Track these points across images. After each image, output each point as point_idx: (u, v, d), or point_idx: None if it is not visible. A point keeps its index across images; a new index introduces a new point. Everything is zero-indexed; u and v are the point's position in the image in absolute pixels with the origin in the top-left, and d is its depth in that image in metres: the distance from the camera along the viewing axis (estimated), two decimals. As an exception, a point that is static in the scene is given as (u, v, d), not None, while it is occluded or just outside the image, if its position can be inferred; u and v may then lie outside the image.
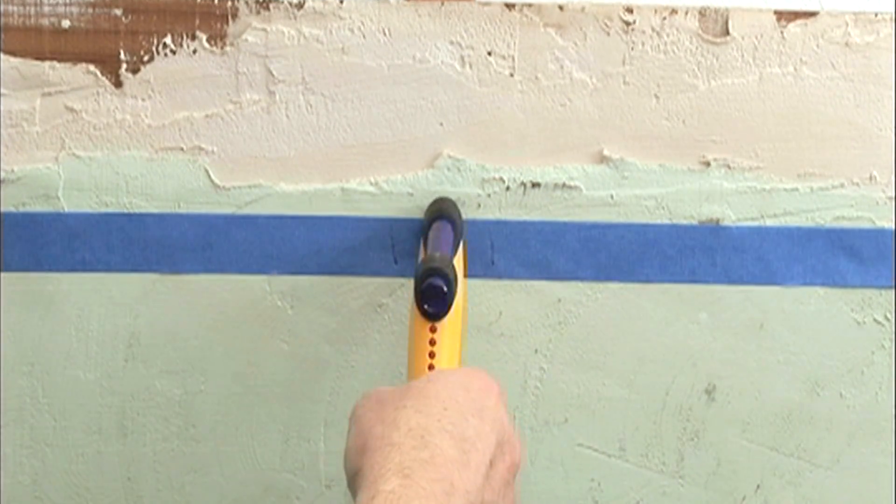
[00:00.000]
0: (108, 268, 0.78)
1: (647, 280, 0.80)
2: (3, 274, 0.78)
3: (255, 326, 0.80)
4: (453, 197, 0.77)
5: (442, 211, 0.78)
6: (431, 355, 0.67)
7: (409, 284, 0.78)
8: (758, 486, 0.84)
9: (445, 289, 0.67)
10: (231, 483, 0.83)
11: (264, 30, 0.75)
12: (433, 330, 0.68)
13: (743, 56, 0.76)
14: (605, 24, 0.76)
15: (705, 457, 0.83)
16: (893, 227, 0.80)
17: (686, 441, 0.83)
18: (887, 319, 0.80)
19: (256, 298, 0.80)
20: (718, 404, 0.82)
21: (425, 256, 0.72)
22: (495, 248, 0.79)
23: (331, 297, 0.80)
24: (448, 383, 0.62)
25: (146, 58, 0.75)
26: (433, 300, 0.67)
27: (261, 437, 0.82)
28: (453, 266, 0.69)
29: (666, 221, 0.79)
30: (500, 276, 0.80)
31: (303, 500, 0.83)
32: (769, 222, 0.79)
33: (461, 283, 0.71)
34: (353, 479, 0.59)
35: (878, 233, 0.79)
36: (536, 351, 0.81)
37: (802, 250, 0.79)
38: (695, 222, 0.79)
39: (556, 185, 0.78)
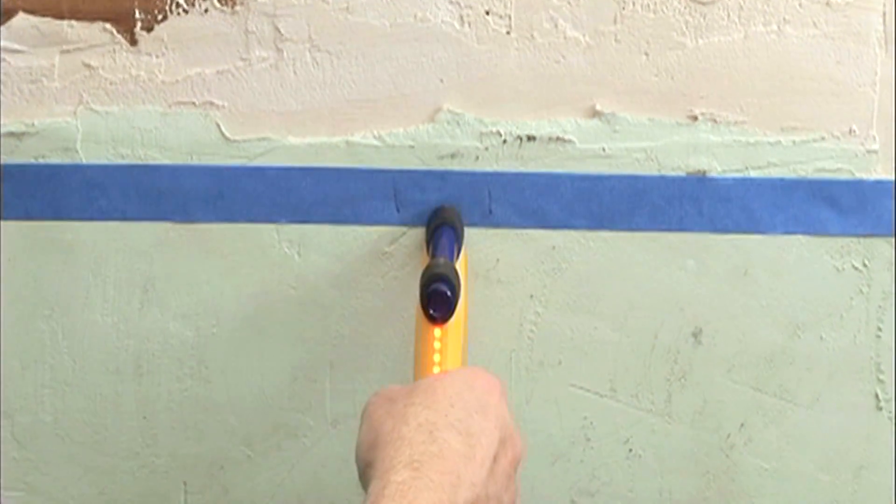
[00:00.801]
0: (125, 217, 0.86)
1: (637, 228, 0.86)
2: (23, 222, 0.85)
3: (265, 272, 0.87)
4: (452, 150, 0.84)
5: (444, 218, 0.84)
6: (437, 356, 0.72)
7: (410, 233, 0.86)
8: (742, 424, 0.90)
9: (449, 294, 0.72)
10: (241, 421, 0.90)
11: (272, -11, 0.82)
12: (438, 332, 0.72)
13: (729, 15, 0.83)
14: (598, -16, 0.83)
15: (692, 396, 0.90)
16: (892, 178, 0.86)
17: (673, 381, 0.89)
18: (865, 266, 0.87)
19: (265, 246, 0.87)
20: (704, 347, 0.89)
21: (430, 262, 0.76)
22: (493, 198, 0.85)
23: (336, 245, 0.87)
24: (454, 382, 0.67)
25: (160, 17, 0.82)
26: (438, 305, 0.72)
27: (270, 377, 0.89)
28: (456, 271, 0.74)
29: (655, 173, 0.85)
30: (497, 225, 0.86)
31: (310, 437, 0.90)
32: (753, 173, 0.85)
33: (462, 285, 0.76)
34: (365, 471, 0.64)
35: (857, 184, 0.85)
36: (532, 296, 0.88)
37: (785, 200, 0.86)
38: (682, 173, 0.85)
39: (550, 138, 0.85)
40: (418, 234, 0.86)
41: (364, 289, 0.88)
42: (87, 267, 0.87)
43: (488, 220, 0.86)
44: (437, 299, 0.71)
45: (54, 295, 0.87)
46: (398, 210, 0.86)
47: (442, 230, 0.83)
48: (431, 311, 0.72)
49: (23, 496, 0.89)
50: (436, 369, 0.71)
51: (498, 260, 0.87)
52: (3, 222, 0.85)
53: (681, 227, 0.87)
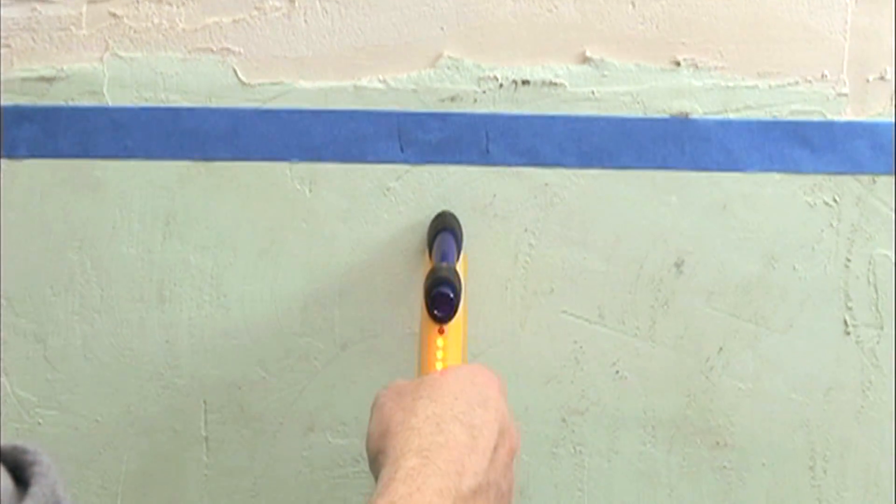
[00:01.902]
0: (148, 155, 0.96)
1: (624, 166, 0.96)
2: (53, 161, 0.96)
3: (278, 207, 0.97)
4: (452, 93, 0.95)
5: (445, 224, 0.93)
6: (440, 352, 0.79)
7: (413, 170, 0.97)
8: (720, 349, 1.00)
9: (452, 296, 0.79)
10: (257, 345, 1.00)
11: (285, -56, 0.92)
12: (441, 331, 0.80)
13: (709, -32, 0.93)
14: (588, -61, 0.92)
15: (674, 322, 1.00)
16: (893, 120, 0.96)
17: (657, 308, 0.99)
18: (835, 202, 0.97)
19: (279, 183, 0.96)
20: (686, 276, 0.99)
21: (433, 266, 0.84)
22: (490, 139, 0.96)
23: (344, 182, 0.96)
24: (458, 377, 0.74)
25: (181, -31, 0.93)
26: (442, 306, 0.80)
27: (283, 304, 0.99)
28: (458, 274, 0.82)
29: (641, 115, 0.95)
30: (493, 163, 0.96)
31: (320, 359, 1.00)
32: (732, 115, 0.95)
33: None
34: (376, 458, 0.71)
35: (829, 125, 0.95)
36: (526, 229, 0.98)
37: (761, 140, 0.95)
38: (666, 115, 0.95)
39: (543, 83, 0.95)
40: (421, 171, 0.96)
41: (370, 222, 0.97)
42: (113, 202, 0.96)
43: (485, 158, 0.96)
44: (441, 301, 0.79)
45: (83, 228, 0.97)
46: (402, 149, 0.96)
47: (443, 235, 0.92)
48: (436, 312, 0.79)
49: (56, 414, 1.00)
50: (439, 365, 0.78)
51: (494, 196, 0.97)
52: (35, 161, 0.96)
53: (664, 166, 0.96)
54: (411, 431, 0.69)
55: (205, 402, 1.01)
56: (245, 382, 1.01)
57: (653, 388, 1.01)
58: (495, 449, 0.71)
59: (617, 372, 1.01)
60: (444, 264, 0.84)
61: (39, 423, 1.00)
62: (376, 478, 0.69)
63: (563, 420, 1.02)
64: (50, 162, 0.96)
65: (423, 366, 0.80)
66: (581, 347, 1.01)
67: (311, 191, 0.97)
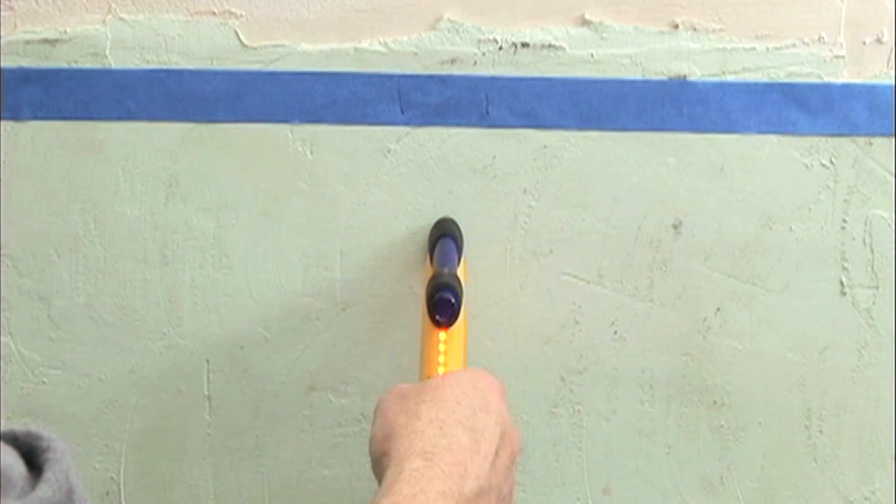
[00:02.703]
0: (151, 117, 1.00)
1: (623, 128, 1.01)
2: (56, 122, 1.01)
3: (279, 169, 1.01)
4: (452, 55, 1.00)
5: (445, 230, 0.97)
6: (442, 356, 0.83)
7: (413, 132, 1.01)
8: (717, 309, 1.05)
9: (453, 301, 0.83)
10: (259, 305, 1.04)
11: None
12: (443, 336, 0.84)
13: (707, -69, 0.97)
14: None
15: (672, 283, 1.04)
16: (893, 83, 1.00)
17: (655, 269, 1.04)
18: (832, 163, 1.02)
19: (280, 144, 1.01)
20: (684, 237, 1.03)
21: (434, 272, 0.88)
22: (489, 101, 1.00)
23: (345, 143, 1.01)
24: (460, 382, 0.77)
25: (183, -68, 0.97)
26: (444, 311, 0.83)
27: (285, 265, 1.03)
28: (459, 280, 0.86)
29: (639, 77, 1.00)
30: (493, 125, 1.00)
31: (322, 320, 1.05)
32: (730, 78, 1.00)
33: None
34: (380, 461, 0.73)
35: (825, 87, 1.00)
36: (525, 191, 1.02)
37: (758, 102, 1.00)
38: (664, 78, 1.00)
39: (542, 45, 1.00)
40: (421, 133, 1.01)
41: (371, 183, 1.02)
42: (116, 164, 1.01)
43: (485, 120, 1.00)
44: (443, 306, 0.83)
45: (86, 190, 1.01)
46: (402, 111, 1.00)
47: (443, 241, 0.96)
48: (437, 317, 0.83)
49: (60, 373, 1.05)
50: (441, 369, 0.82)
51: (494, 157, 1.02)
52: (38, 122, 1.01)
53: (662, 128, 1.01)
54: (415, 434, 0.72)
55: (207, 361, 1.06)
56: (247, 342, 1.05)
57: (651, 347, 1.06)
58: (497, 453, 0.75)
59: (615, 332, 1.06)
60: (446, 270, 0.88)
61: (44, 383, 1.06)
62: (379, 480, 0.72)
63: (562, 380, 1.07)
64: (53, 124, 1.00)
65: (424, 370, 0.84)
66: (580, 308, 1.06)
67: (312, 153, 1.01)
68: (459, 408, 0.75)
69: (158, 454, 1.08)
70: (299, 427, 1.07)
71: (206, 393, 1.07)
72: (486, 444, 0.74)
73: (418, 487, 0.68)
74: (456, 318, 0.85)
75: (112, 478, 1.08)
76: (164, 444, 1.08)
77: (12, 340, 1.05)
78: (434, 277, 0.86)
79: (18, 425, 0.51)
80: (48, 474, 0.48)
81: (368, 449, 0.76)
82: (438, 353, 0.83)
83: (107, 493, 1.08)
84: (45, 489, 0.47)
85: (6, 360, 1.05)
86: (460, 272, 0.93)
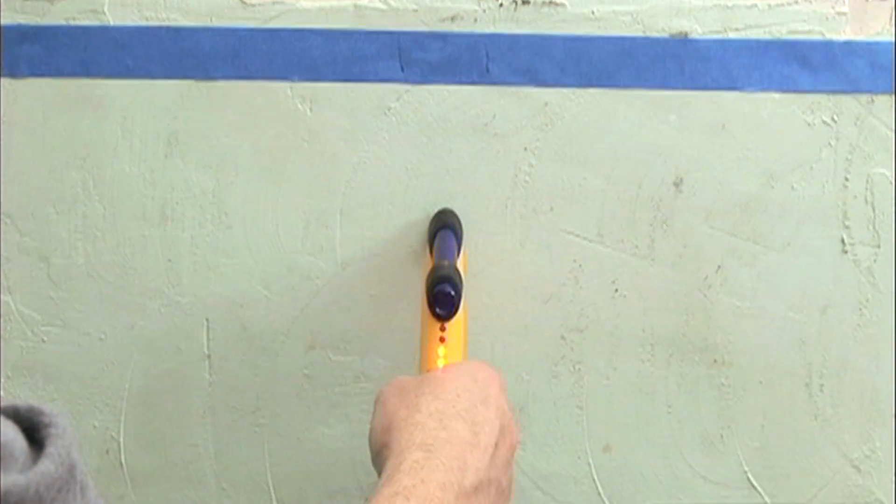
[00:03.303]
0: (150, 75, 1.03)
1: (624, 86, 1.03)
2: (55, 80, 1.03)
3: (279, 126, 1.04)
4: (452, 12, 1.02)
5: (445, 222, 1.00)
6: (441, 349, 0.85)
7: (413, 90, 1.04)
8: (718, 267, 1.08)
9: (453, 294, 0.85)
10: (258, 264, 1.07)
11: None
12: (443, 329, 0.86)
13: None
14: None
15: (673, 241, 1.07)
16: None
17: (656, 227, 1.07)
18: (834, 121, 1.04)
19: (280, 102, 1.04)
20: (685, 195, 1.06)
21: (434, 265, 0.90)
22: (490, 58, 1.03)
23: (345, 101, 1.03)
24: (460, 374, 0.80)
25: None
26: (444, 304, 0.86)
27: (284, 223, 1.06)
28: (459, 272, 0.89)
29: (640, 34, 1.02)
30: (493, 83, 1.03)
31: (321, 278, 1.07)
32: (731, 35, 1.02)
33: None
34: (380, 453, 0.75)
35: (827, 44, 1.03)
36: (525, 149, 1.05)
37: (760, 60, 1.03)
38: (666, 35, 1.02)
39: (543, 2, 1.02)
40: (421, 91, 1.03)
41: (371, 141, 1.05)
42: (115, 121, 1.04)
43: (485, 78, 1.03)
44: (443, 299, 0.86)
45: (85, 147, 1.04)
46: (402, 69, 1.03)
47: (443, 232, 0.99)
48: (438, 310, 0.86)
49: (59, 332, 1.08)
50: (441, 362, 0.84)
51: (494, 115, 1.04)
52: (37, 80, 1.03)
53: (664, 85, 1.03)
54: (415, 427, 0.74)
55: (207, 319, 1.09)
56: (247, 300, 1.09)
57: (651, 306, 1.09)
58: (496, 446, 0.77)
59: (616, 290, 1.09)
60: (446, 262, 0.91)
61: (43, 341, 1.09)
62: (379, 472, 0.74)
63: (563, 338, 1.10)
64: (51, 81, 1.03)
65: (424, 362, 0.86)
66: (580, 266, 1.08)
67: (311, 110, 1.04)
68: (459, 400, 0.77)
69: (158, 412, 1.11)
70: (299, 385, 1.11)
71: (206, 351, 1.10)
72: (485, 436, 0.76)
73: (418, 479, 0.70)
74: (456, 311, 0.87)
75: (112, 436, 1.11)
76: (163, 403, 1.11)
77: (11, 299, 1.08)
78: (434, 270, 0.89)
79: (20, 401, 0.51)
80: (50, 449, 0.48)
81: (368, 441, 0.79)
82: (438, 345, 0.86)
83: (107, 452, 1.12)
84: (47, 464, 0.48)
85: (5, 318, 1.08)
86: (460, 264, 0.95)
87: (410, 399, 0.77)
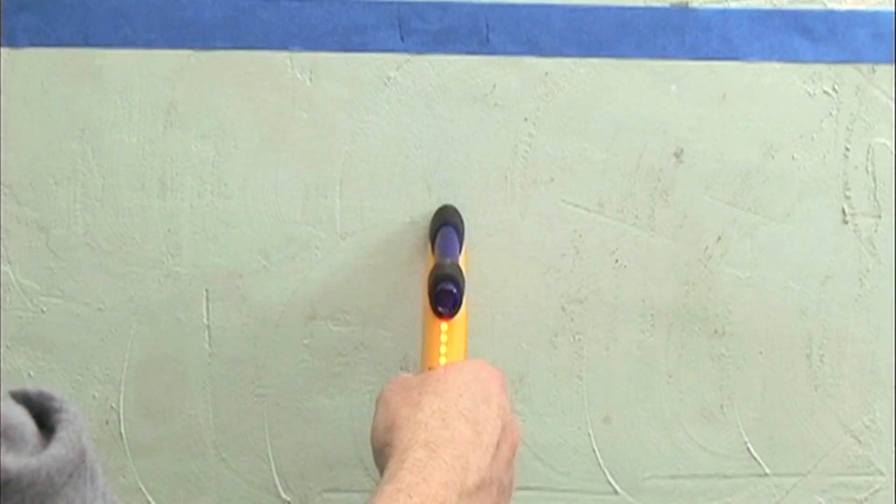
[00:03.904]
0: (149, 44, 1.04)
1: (624, 56, 1.05)
2: (54, 49, 1.05)
3: (278, 96, 1.06)
4: None
5: (447, 218, 1.01)
6: (444, 347, 0.87)
7: (413, 59, 1.05)
8: (719, 237, 1.10)
9: (456, 292, 0.87)
10: (258, 234, 1.09)
11: None
12: (445, 327, 0.88)
13: None
14: None
15: (673, 211, 1.09)
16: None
17: (656, 197, 1.09)
18: (835, 91, 1.06)
19: (279, 72, 1.05)
20: (685, 165, 1.08)
21: (436, 263, 0.92)
22: (490, 28, 1.04)
23: (345, 71, 1.05)
24: (462, 373, 0.81)
25: None
26: (446, 302, 0.88)
27: (284, 193, 1.08)
28: (461, 270, 0.90)
29: (641, 4, 1.04)
30: (493, 53, 1.04)
31: (321, 248, 1.09)
32: (732, 4, 1.04)
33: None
34: (383, 450, 0.77)
35: (829, 13, 1.04)
36: (526, 119, 1.07)
37: (762, 29, 1.04)
38: (666, 4, 1.04)
39: None
40: (421, 60, 1.05)
41: (370, 111, 1.06)
42: (114, 91, 1.05)
43: (486, 48, 1.04)
44: (445, 297, 0.87)
45: (84, 117, 1.06)
46: (402, 38, 1.04)
47: (444, 230, 1.00)
48: (440, 308, 0.88)
49: (59, 302, 1.10)
50: (442, 360, 0.86)
51: (494, 85, 1.06)
52: (35, 49, 1.05)
53: (664, 55, 1.05)
54: (417, 425, 0.76)
55: (206, 290, 1.11)
56: (246, 271, 1.10)
57: (652, 276, 1.11)
58: (498, 445, 0.78)
59: (616, 261, 1.11)
60: (448, 260, 0.92)
61: (43, 311, 1.11)
62: (381, 470, 0.76)
63: (563, 309, 1.12)
64: (50, 51, 1.04)
65: (426, 361, 0.88)
66: (580, 237, 1.10)
67: (311, 80, 1.06)
68: (462, 399, 0.79)
69: (158, 383, 1.13)
70: (299, 356, 1.12)
71: (206, 322, 1.12)
72: (487, 436, 0.78)
73: (421, 476, 0.71)
74: (458, 310, 0.88)
75: (112, 406, 1.13)
76: (163, 374, 1.13)
77: (11, 269, 1.10)
78: (436, 268, 0.91)
79: (31, 386, 0.52)
80: (61, 434, 0.49)
81: (370, 439, 0.80)
82: (440, 343, 0.87)
83: (106, 422, 1.13)
84: (58, 447, 0.48)
85: (5, 288, 1.09)
86: (461, 262, 0.97)
87: (413, 397, 0.79)
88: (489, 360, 0.86)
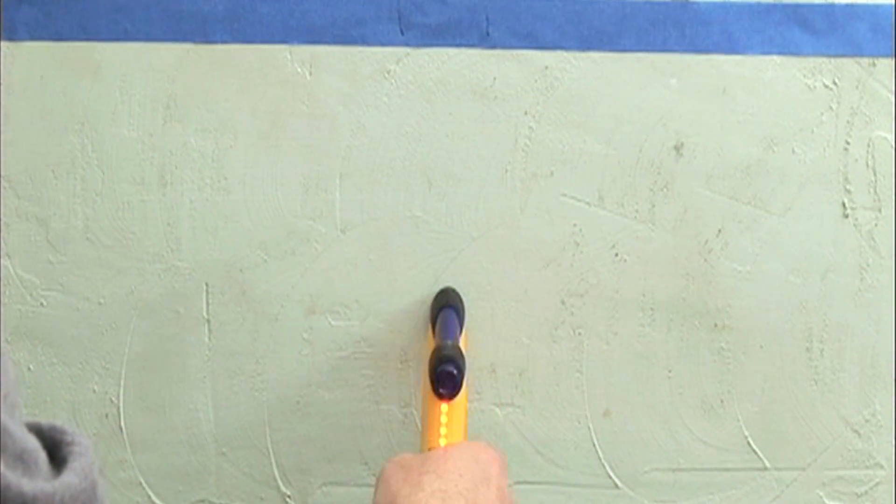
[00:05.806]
0: (148, 38, 1.07)
1: (624, 49, 1.07)
2: (53, 43, 1.07)
3: (278, 90, 1.08)
4: None
5: (447, 300, 1.04)
6: (444, 428, 0.88)
7: (413, 53, 1.08)
8: (719, 231, 1.12)
9: (456, 374, 0.90)
10: (258, 228, 1.11)
11: None
12: (445, 408, 0.90)
13: None
14: None
15: (673, 205, 1.11)
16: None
17: (657, 191, 1.11)
18: (835, 84, 1.09)
19: (279, 65, 1.07)
20: (685, 159, 1.10)
21: (438, 345, 0.94)
22: (490, 21, 1.06)
23: (345, 64, 1.07)
24: (462, 454, 0.82)
25: None
26: (447, 384, 0.90)
27: (284, 187, 1.10)
28: (461, 352, 0.93)
29: None
30: (494, 46, 1.07)
31: (321, 242, 1.11)
32: None
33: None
34: None
35: (829, 7, 1.07)
36: (526, 112, 1.09)
37: (762, 23, 1.06)
38: None
39: None
40: (421, 54, 1.07)
41: (370, 105, 1.08)
42: (113, 85, 1.08)
43: (486, 41, 1.07)
44: (446, 379, 0.90)
45: (83, 111, 1.08)
46: (402, 32, 1.07)
47: (445, 312, 1.03)
48: (441, 390, 0.90)
49: (58, 296, 1.12)
50: (442, 441, 0.88)
51: (495, 79, 1.08)
52: (35, 43, 1.07)
53: (664, 49, 1.07)
54: None
55: (206, 284, 1.13)
56: (246, 265, 1.13)
57: (652, 270, 1.14)
58: None
59: (616, 254, 1.13)
60: (449, 342, 0.95)
61: (42, 305, 1.13)
62: None
63: (563, 302, 1.14)
64: (50, 44, 1.07)
65: (426, 440, 0.90)
66: (581, 230, 1.13)
67: (311, 74, 1.08)
68: (461, 480, 0.80)
69: (157, 377, 1.15)
70: (299, 350, 1.15)
71: (205, 316, 1.14)
72: None
73: None
74: (458, 391, 0.91)
75: (111, 400, 1.15)
76: (163, 367, 1.15)
77: (10, 263, 1.12)
78: (437, 350, 0.93)
79: (43, 420, 0.53)
80: (73, 464, 0.50)
81: None
82: (440, 424, 0.89)
83: (106, 416, 1.16)
84: (71, 476, 0.49)
85: (5, 282, 1.11)
86: (461, 343, 0.99)
87: (413, 477, 0.80)
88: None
